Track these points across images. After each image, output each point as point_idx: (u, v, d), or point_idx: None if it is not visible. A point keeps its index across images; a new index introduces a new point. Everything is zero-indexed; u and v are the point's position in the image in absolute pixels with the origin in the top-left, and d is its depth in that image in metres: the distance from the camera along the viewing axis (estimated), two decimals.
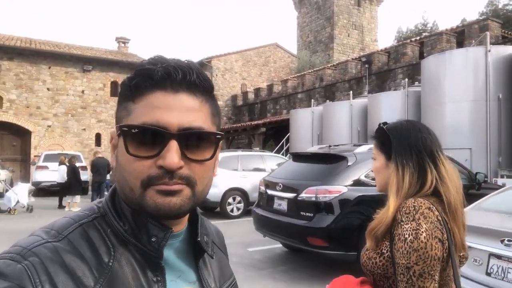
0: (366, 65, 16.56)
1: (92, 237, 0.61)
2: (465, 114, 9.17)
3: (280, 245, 6.45)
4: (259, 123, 18.45)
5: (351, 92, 13.86)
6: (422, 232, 1.10)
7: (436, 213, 1.14)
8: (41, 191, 13.94)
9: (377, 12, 32.69)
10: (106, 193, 12.16)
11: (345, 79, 17.85)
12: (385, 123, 1.38)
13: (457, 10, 72.90)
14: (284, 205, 5.15)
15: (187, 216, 0.70)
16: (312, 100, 15.98)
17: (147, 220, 0.62)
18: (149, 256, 0.62)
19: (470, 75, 9.05)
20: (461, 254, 1.25)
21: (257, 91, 24.68)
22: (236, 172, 9.97)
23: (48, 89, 19.16)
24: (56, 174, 13.11)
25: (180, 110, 0.61)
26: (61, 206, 11.48)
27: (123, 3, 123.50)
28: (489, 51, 8.76)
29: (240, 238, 7.35)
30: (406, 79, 11.59)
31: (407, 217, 1.13)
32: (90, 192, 12.47)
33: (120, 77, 21.12)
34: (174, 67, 0.61)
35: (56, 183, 11.97)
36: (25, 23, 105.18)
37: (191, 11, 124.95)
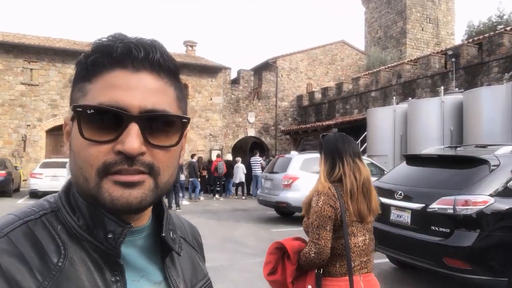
0: (453, 59, 15.01)
1: (38, 235, 0.54)
2: None
3: (387, 260, 5.65)
4: (331, 123, 17.56)
5: (442, 87, 12.50)
6: (320, 201, 1.85)
7: (333, 191, 1.87)
8: None
9: (454, 4, 30.20)
10: (180, 194, 12.08)
11: (427, 74, 16.38)
12: (324, 135, 2.13)
13: None
14: (406, 217, 4.36)
15: (150, 210, 0.65)
16: (394, 97, 14.78)
17: (103, 215, 0.57)
18: (106, 254, 0.57)
19: None
20: (367, 222, 1.92)
21: (325, 90, 23.73)
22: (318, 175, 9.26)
23: None
24: None
25: (142, 90, 0.56)
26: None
27: (188, 6, 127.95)
28: None
29: None
30: None
31: (316, 193, 1.91)
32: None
33: (190, 79, 21.38)
34: (136, 44, 0.57)
35: None
36: (84, 29, 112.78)
37: (255, 12, 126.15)
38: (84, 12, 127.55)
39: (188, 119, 0.61)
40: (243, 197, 14.89)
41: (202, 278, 0.73)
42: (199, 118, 21.61)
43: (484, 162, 4.08)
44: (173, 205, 11.37)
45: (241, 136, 24.43)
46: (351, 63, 28.21)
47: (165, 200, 10.09)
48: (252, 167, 15.11)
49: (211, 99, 22.12)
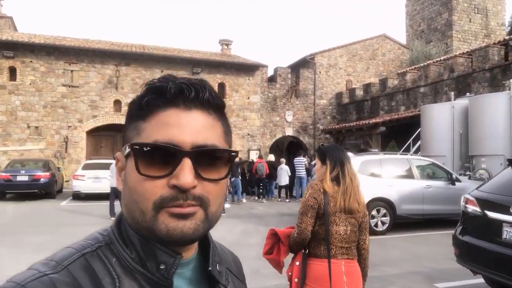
0: None
1: (95, 268, 0.57)
2: None
3: (480, 281, 4.82)
4: (378, 121, 16.54)
5: (509, 81, 11.29)
6: (307, 194, 2.29)
7: (319, 186, 2.28)
8: None
9: None
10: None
11: (484, 67, 15.07)
12: (322, 145, 2.56)
13: None
14: None
15: (196, 242, 0.67)
16: (452, 93, 13.60)
17: (155, 246, 0.59)
18: (158, 285, 0.59)
19: None
20: (354, 216, 2.30)
21: (367, 87, 22.63)
22: (379, 179, 8.44)
23: None
24: None
25: (194, 127, 0.60)
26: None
27: (222, 4, 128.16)
28: None
29: (410, 265, 5.84)
30: None
31: (308, 188, 2.37)
32: None
33: (227, 78, 20.94)
34: (187, 84, 0.61)
35: None
36: (124, 30, 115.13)
37: (291, 8, 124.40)
38: (119, 13, 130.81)
39: (237, 152, 0.65)
40: (287, 200, 14.20)
41: None
42: (237, 117, 21.12)
43: None
44: None
45: (278, 135, 23.75)
46: (393, 58, 26.89)
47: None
48: (296, 168, 14.38)
49: (248, 98, 21.58)
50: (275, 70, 24.43)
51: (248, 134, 21.46)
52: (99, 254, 0.59)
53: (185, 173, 0.57)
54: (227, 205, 11.60)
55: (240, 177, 13.42)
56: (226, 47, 24.89)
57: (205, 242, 0.69)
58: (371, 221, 8.13)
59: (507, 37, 17.74)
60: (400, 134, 16.91)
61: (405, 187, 8.46)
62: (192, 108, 0.61)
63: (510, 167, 4.34)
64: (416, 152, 14.23)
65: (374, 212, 8.16)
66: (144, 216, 0.58)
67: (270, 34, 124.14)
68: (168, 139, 0.58)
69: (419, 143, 14.56)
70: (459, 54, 18.43)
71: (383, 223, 8.24)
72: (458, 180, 8.98)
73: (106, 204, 10.32)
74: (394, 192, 8.32)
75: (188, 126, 0.60)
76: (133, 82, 19.23)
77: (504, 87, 13.02)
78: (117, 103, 19.03)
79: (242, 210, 11.97)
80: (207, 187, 0.60)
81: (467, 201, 4.33)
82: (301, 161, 14.58)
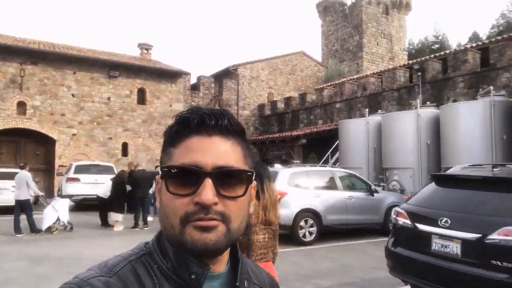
0: (419, 73, 15.32)
1: (139, 272, 0.66)
2: None
3: None
4: (299, 133, 17.19)
5: (417, 99, 12.56)
6: None
7: None
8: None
9: (405, 21, 31.61)
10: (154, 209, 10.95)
11: (393, 87, 16.61)
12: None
13: (467, 23, 71.68)
14: (454, 248, 3.84)
15: (226, 257, 0.73)
16: (367, 109, 14.71)
17: (187, 258, 0.67)
18: None
19: None
20: (271, 226, 2.64)
21: (287, 100, 23.48)
22: (307, 190, 8.68)
23: (73, 95, 18.07)
24: (89, 187, 12.08)
25: (214, 151, 0.68)
26: (105, 224, 10.22)
27: (142, 7, 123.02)
28: None
29: (340, 276, 6.03)
30: (492, 87, 10.33)
31: None
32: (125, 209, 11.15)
33: (148, 84, 20.06)
34: (208, 114, 0.70)
35: (97, 197, 10.70)
36: (33, 27, 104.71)
37: (213, 17, 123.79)
38: (24, 7, 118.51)
39: (253, 172, 0.72)
40: None
41: None
42: (158, 125, 20.28)
43: None
44: (140, 223, 10.22)
45: None
46: (310, 74, 28.35)
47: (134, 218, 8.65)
48: None
49: (170, 106, 20.90)
50: (198, 78, 24.14)
51: None
52: (143, 260, 0.69)
53: (207, 191, 0.65)
54: (150, 218, 10.98)
55: None
56: (146, 51, 23.91)
57: (236, 260, 0.75)
58: (299, 231, 8.31)
59: (410, 61, 19.82)
60: (320, 146, 17.79)
61: (330, 198, 8.82)
62: (212, 135, 0.70)
63: (433, 182, 4.72)
64: (334, 163, 15.06)
65: (302, 223, 8.35)
66: (174, 229, 0.67)
67: (192, 41, 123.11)
68: (192, 162, 0.67)
69: (337, 155, 15.44)
70: (371, 74, 20.10)
71: (310, 233, 8.46)
72: (376, 191, 9.64)
73: (9, 219, 9.07)
74: (320, 203, 8.62)
75: (209, 151, 0.68)
76: (41, 83, 17.41)
77: (410, 106, 14.45)
78: (22, 105, 17.01)
79: None
80: (228, 205, 0.67)
81: (397, 214, 4.59)
82: None
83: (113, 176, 11.43)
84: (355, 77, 22.80)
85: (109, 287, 0.62)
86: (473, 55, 13.93)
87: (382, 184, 11.86)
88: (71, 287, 0.62)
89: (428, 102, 13.18)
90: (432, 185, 4.69)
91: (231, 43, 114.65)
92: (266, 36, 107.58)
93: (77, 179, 12.77)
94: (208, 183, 0.65)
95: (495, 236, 3.54)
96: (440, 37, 47.83)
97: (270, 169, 9.37)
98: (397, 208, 4.69)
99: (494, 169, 4.44)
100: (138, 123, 19.69)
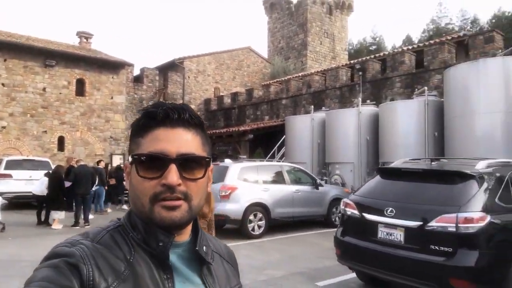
0: (360, 73, 16.11)
1: (117, 240, 0.78)
2: (498, 124, 8.79)
3: (353, 276, 5.43)
4: (247, 129, 17.31)
5: (358, 97, 13.21)
6: None
7: None
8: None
9: (347, 22, 32.97)
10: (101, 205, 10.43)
11: (335, 86, 17.30)
12: None
13: (402, 26, 76.70)
14: (398, 236, 4.14)
15: (189, 229, 0.86)
16: (312, 106, 15.17)
17: (155, 230, 0.78)
18: (158, 258, 0.78)
19: (505, 85, 8.68)
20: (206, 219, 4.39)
21: (234, 95, 23.51)
22: (256, 184, 8.80)
23: (3, 84, 16.63)
24: (22, 184, 11.28)
25: (178, 141, 0.79)
26: (42, 222, 9.56)
27: None
28: None
29: (290, 266, 6.22)
30: (426, 88, 11.13)
31: None
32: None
33: (88, 74, 19.00)
34: (172, 109, 0.80)
35: (32, 194, 9.97)
36: None
37: (158, 8, 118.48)
38: None
39: (210, 158, 0.85)
40: None
41: (235, 285, 0.93)
42: (98, 118, 19.34)
43: (472, 177, 4.08)
44: (81, 221, 9.71)
45: None
46: (256, 70, 28.59)
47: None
48: None
49: (112, 98, 19.98)
50: (142, 70, 23.33)
51: (111, 137, 19.84)
52: (119, 230, 0.80)
53: (172, 174, 0.76)
54: (91, 216, 10.47)
55: (106, 187, 12.23)
56: (85, 40, 22.59)
57: (197, 230, 0.88)
58: (248, 225, 8.41)
59: (352, 61, 20.74)
60: (266, 142, 18.06)
61: (279, 192, 9.03)
62: (176, 126, 0.81)
63: (378, 175, 5.03)
64: (280, 158, 15.39)
65: (251, 217, 8.46)
66: (144, 207, 0.78)
67: (135, 32, 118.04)
68: (159, 150, 0.78)
69: (283, 150, 15.78)
70: (315, 72, 20.73)
71: (259, 226, 8.60)
72: (321, 185, 10.02)
73: None
74: (269, 196, 8.79)
75: (173, 140, 0.79)
76: None
77: (352, 104, 15.15)
78: None
79: (107, 220, 10.94)
80: (190, 186, 0.79)
81: (346, 204, 4.83)
82: None
83: (47, 172, 10.75)
84: (300, 74, 23.39)
85: (96, 248, 0.74)
86: (409, 57, 14.93)
87: (324, 178, 12.33)
88: (65, 245, 0.74)
89: (368, 101, 13.90)
90: (377, 177, 4.99)
91: (176, 35, 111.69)
92: (213, 30, 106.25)
93: (8, 175, 11.81)
94: (173, 168, 0.77)
95: (434, 224, 3.87)
96: (377, 39, 50.62)
97: (221, 164, 9.39)
98: (345, 199, 4.94)
99: (432, 163, 4.83)
100: (76, 115, 18.62)
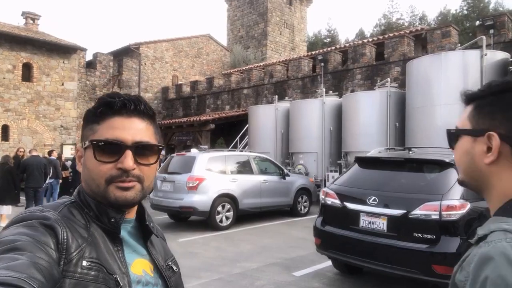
0: (322, 64, 16.24)
1: (74, 213, 0.84)
2: (456, 115, 9.17)
3: (328, 264, 5.42)
4: (208, 118, 16.92)
5: (322, 88, 13.28)
6: None
7: None
8: None
9: (306, 13, 33.18)
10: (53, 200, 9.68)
11: (297, 76, 17.33)
12: None
13: (355, 20, 78.86)
14: (381, 224, 4.13)
15: (135, 208, 0.95)
16: (276, 96, 15.06)
17: (106, 208, 0.86)
18: (110, 232, 0.86)
19: (464, 77, 9.07)
20: None
21: (194, 84, 22.92)
22: (224, 175, 8.57)
23: None
24: None
25: (133, 129, 0.87)
26: None
27: None
28: (485, 54, 8.85)
29: (264, 257, 6.10)
30: (389, 79, 11.38)
31: None
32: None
33: (36, 59, 17.64)
34: (128, 100, 0.87)
35: None
36: None
37: None
38: None
39: (163, 146, 0.97)
40: None
41: (170, 256, 1.03)
42: (47, 106, 18.07)
43: (451, 165, 4.14)
44: None
45: None
46: (216, 59, 28.07)
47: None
48: None
49: (62, 84, 18.73)
50: (95, 55, 22.07)
51: (62, 126, 18.63)
52: (75, 206, 0.87)
53: (128, 159, 0.84)
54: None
55: (60, 178, 11.40)
56: (32, 21, 20.89)
57: (142, 210, 0.97)
58: (216, 217, 8.19)
59: (314, 52, 20.89)
60: (227, 132, 17.80)
61: (247, 182, 8.86)
62: (132, 116, 0.87)
63: (356, 164, 5.00)
64: (243, 148, 15.22)
65: (219, 208, 8.23)
66: (99, 188, 0.85)
67: (87, 14, 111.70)
68: (115, 137, 0.85)
69: (245, 140, 15.62)
70: (277, 62, 20.65)
71: (227, 218, 8.40)
72: (288, 175, 9.98)
73: None
74: (237, 187, 8.60)
75: (129, 129, 0.87)
76: None
77: (314, 95, 15.25)
78: None
79: None
80: (142, 170, 0.88)
81: (326, 194, 4.76)
82: None
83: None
84: (262, 64, 23.23)
85: (59, 219, 0.79)
86: (370, 49, 15.23)
87: (288, 168, 12.35)
88: (35, 211, 0.80)
89: (330, 91, 14.04)
90: (356, 167, 4.96)
91: (132, 19, 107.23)
92: (170, 15, 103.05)
93: None
94: (129, 153, 0.84)
95: (418, 212, 3.89)
96: (332, 32, 51.57)
97: (187, 154, 9.05)
98: (325, 189, 4.87)
99: (409, 152, 4.87)
100: (23, 103, 17.27)
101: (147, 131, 0.89)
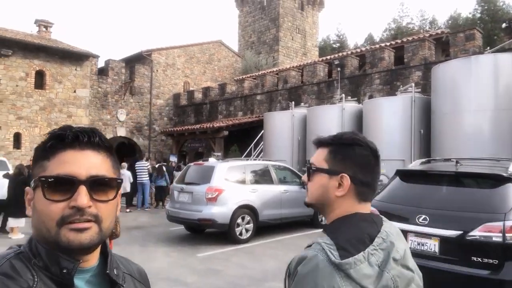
0: (339, 68, 15.83)
1: (17, 267, 0.74)
2: (486, 122, 8.69)
3: None
4: (222, 125, 16.58)
5: (343, 94, 12.86)
6: None
7: None
8: None
9: (318, 18, 32.86)
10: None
11: (313, 82, 16.93)
12: None
13: (364, 25, 78.23)
14: (432, 246, 3.70)
15: (98, 253, 0.84)
16: (293, 102, 14.68)
17: (58, 256, 0.76)
18: (62, 285, 0.75)
19: (495, 82, 8.58)
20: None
21: (206, 90, 22.67)
22: (244, 185, 8.18)
23: None
24: None
25: (87, 163, 0.79)
26: (3, 230, 8.51)
27: None
28: None
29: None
30: (413, 84, 10.92)
31: None
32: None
33: (48, 66, 17.54)
34: (81, 132, 0.81)
35: None
36: None
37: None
38: None
39: (122, 180, 0.86)
40: (127, 210, 12.64)
41: None
42: (59, 113, 17.95)
43: (510, 180, 3.70)
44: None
45: (109, 136, 21.29)
46: (227, 65, 27.83)
47: None
48: (138, 173, 13.01)
49: (74, 92, 18.63)
50: (107, 62, 21.96)
51: None
52: (20, 257, 0.76)
53: (81, 196, 0.75)
54: None
55: None
56: (45, 29, 20.94)
57: (106, 254, 0.87)
58: (236, 229, 7.79)
59: (330, 56, 20.49)
60: (241, 139, 17.44)
61: (267, 192, 8.47)
62: (85, 149, 0.80)
63: (398, 177, 4.58)
64: (258, 156, 14.84)
65: (239, 220, 7.84)
66: (50, 232, 0.75)
67: (100, 22, 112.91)
68: (67, 172, 0.77)
69: (260, 147, 15.24)
70: (292, 67, 20.28)
71: (247, 230, 8.00)
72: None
73: None
74: (257, 198, 8.22)
75: (83, 162, 0.79)
76: None
77: (332, 100, 14.84)
78: None
79: None
80: (100, 207, 0.78)
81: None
82: (143, 166, 13.29)
83: (5, 172, 9.68)
84: (275, 69, 22.90)
85: None
86: (389, 53, 14.79)
87: None
88: None
89: (349, 97, 13.61)
90: (397, 180, 4.53)
91: (144, 26, 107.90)
92: (182, 22, 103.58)
93: None
94: (83, 189, 0.76)
95: (476, 233, 3.45)
96: (341, 37, 51.12)
97: (204, 163, 8.69)
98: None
99: (458, 164, 4.42)
100: (35, 110, 17.16)
101: (103, 164, 0.82)
